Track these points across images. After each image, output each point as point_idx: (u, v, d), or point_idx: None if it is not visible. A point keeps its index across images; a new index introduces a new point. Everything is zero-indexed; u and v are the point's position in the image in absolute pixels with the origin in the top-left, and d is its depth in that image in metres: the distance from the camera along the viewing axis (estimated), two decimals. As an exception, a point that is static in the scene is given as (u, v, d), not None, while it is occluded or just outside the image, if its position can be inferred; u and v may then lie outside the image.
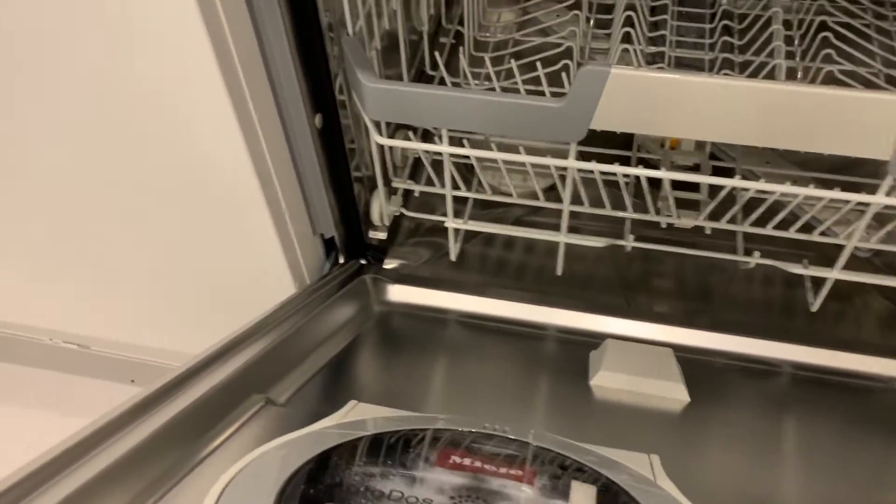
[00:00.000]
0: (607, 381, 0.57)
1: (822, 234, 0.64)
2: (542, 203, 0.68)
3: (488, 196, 0.70)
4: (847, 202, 0.58)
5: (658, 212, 0.70)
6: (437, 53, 0.78)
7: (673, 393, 0.56)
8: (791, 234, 0.65)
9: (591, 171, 0.59)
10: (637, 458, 0.45)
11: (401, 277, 0.70)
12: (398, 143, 0.60)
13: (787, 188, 0.56)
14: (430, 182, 0.71)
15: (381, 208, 0.70)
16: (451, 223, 0.65)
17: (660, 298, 0.70)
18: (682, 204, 0.71)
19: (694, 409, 0.56)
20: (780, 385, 0.62)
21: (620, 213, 0.68)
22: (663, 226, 0.72)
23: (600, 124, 0.52)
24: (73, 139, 0.58)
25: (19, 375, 0.96)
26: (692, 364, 0.61)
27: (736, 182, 0.58)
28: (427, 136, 0.78)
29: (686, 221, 0.67)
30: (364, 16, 0.60)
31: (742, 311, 0.69)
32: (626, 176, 0.67)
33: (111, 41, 0.50)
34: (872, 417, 0.58)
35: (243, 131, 0.54)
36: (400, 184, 0.73)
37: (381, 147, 0.65)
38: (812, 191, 0.55)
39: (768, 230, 0.64)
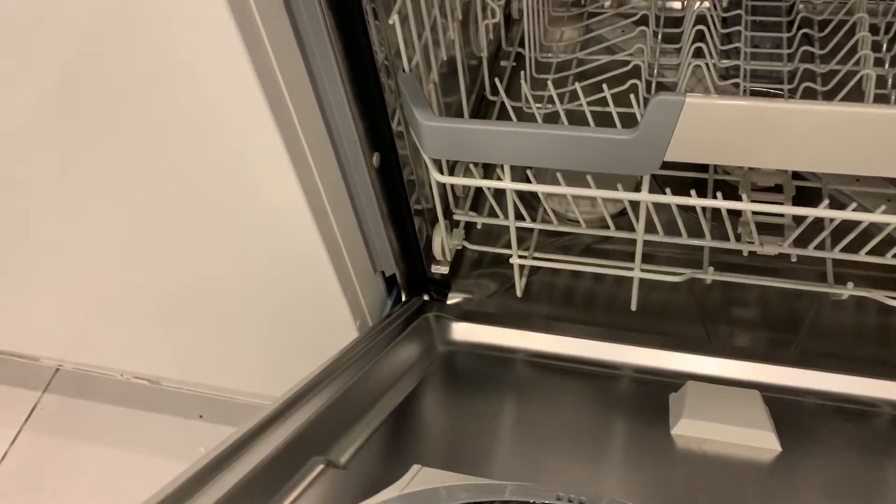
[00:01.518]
0: (690, 429, 0.52)
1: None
2: (612, 233, 0.65)
3: (554, 226, 0.67)
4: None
5: (739, 238, 0.65)
6: (497, 79, 0.75)
7: (762, 442, 0.51)
8: (888, 259, 0.60)
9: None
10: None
11: (465, 314, 0.68)
12: (459, 180, 0.57)
13: (879, 217, 0.51)
14: (492, 213, 0.68)
15: (443, 242, 0.68)
16: (516, 259, 0.62)
17: (743, 331, 0.65)
18: (764, 228, 0.67)
19: (786, 459, 0.51)
20: (880, 427, 0.57)
21: (698, 242, 0.63)
22: (745, 253, 0.68)
23: (675, 156, 0.49)
24: (144, 192, 0.58)
25: (90, 411, 0.98)
26: (781, 405, 0.56)
27: (820, 212, 0.53)
28: (488, 169, 0.76)
29: (770, 248, 0.63)
30: (420, 49, 0.58)
31: (834, 344, 0.64)
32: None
33: (173, 90, 0.49)
34: None
35: (297, 171, 0.52)
36: (462, 216, 0.71)
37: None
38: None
39: (861, 256, 0.60)
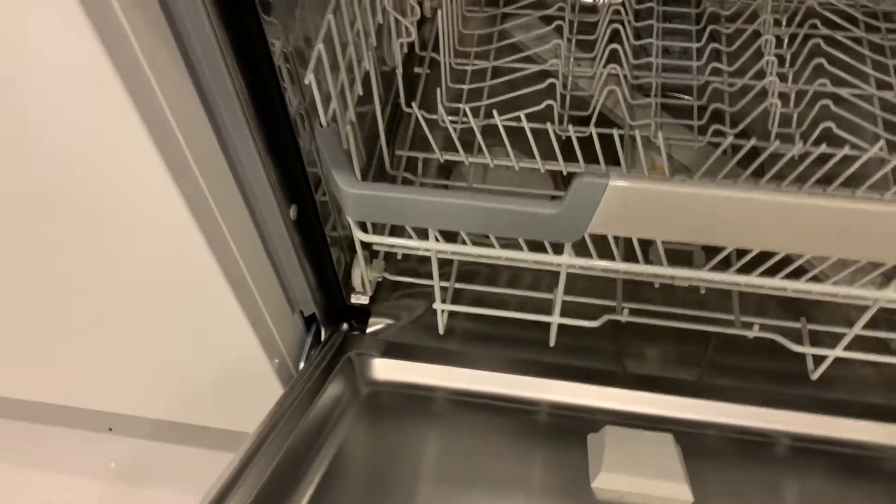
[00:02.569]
0: (609, 483, 0.55)
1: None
2: (533, 263, 0.65)
3: (474, 254, 0.67)
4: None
5: (650, 264, 0.67)
6: (412, 102, 0.73)
7: (677, 493, 0.54)
8: (793, 283, 0.62)
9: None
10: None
11: (387, 348, 0.67)
12: (384, 240, 0.56)
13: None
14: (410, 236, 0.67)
15: (363, 276, 0.67)
16: (438, 305, 0.62)
17: (656, 363, 0.68)
18: (674, 257, 0.69)
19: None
20: (779, 457, 0.61)
21: (612, 266, 0.63)
22: (656, 286, 0.70)
23: (597, 230, 0.49)
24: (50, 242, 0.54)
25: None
26: (690, 438, 0.60)
27: (729, 277, 0.55)
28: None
29: (681, 273, 0.64)
30: (337, 95, 0.55)
31: (737, 375, 0.67)
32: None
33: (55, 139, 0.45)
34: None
35: (201, 227, 0.49)
36: (380, 244, 0.70)
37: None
38: (818, 287, 0.53)
39: (777, 281, 0.62)
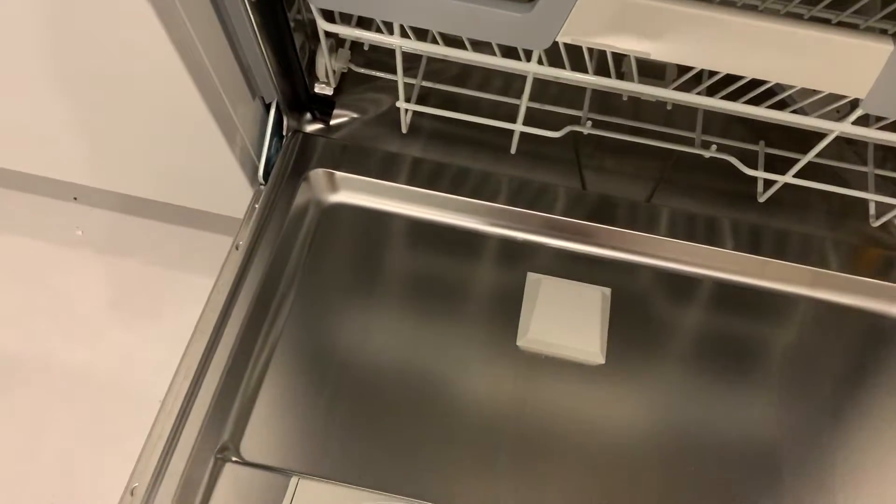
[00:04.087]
0: (533, 344, 0.61)
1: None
2: (501, 65, 0.63)
3: (441, 52, 0.64)
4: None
5: (622, 76, 0.66)
6: None
7: (590, 356, 0.60)
8: (753, 109, 0.62)
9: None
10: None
11: (346, 158, 0.67)
12: (348, 31, 0.54)
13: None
14: (380, 30, 0.65)
15: (327, 65, 0.65)
16: (402, 104, 0.61)
17: (611, 178, 0.69)
18: (647, 69, 0.67)
19: (606, 369, 0.60)
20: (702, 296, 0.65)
21: (580, 77, 0.62)
22: (625, 98, 0.69)
23: (567, 38, 0.48)
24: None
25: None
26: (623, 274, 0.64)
27: (693, 98, 0.54)
28: None
29: (647, 90, 0.63)
30: None
31: (690, 197, 0.69)
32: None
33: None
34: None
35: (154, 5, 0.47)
36: (346, 33, 0.67)
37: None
38: (777, 114, 0.53)
39: (739, 106, 0.61)
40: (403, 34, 0.55)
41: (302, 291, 0.63)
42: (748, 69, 0.47)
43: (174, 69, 0.52)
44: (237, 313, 0.60)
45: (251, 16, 0.54)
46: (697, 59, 0.48)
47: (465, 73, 0.72)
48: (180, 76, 0.53)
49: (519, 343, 0.61)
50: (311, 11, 0.63)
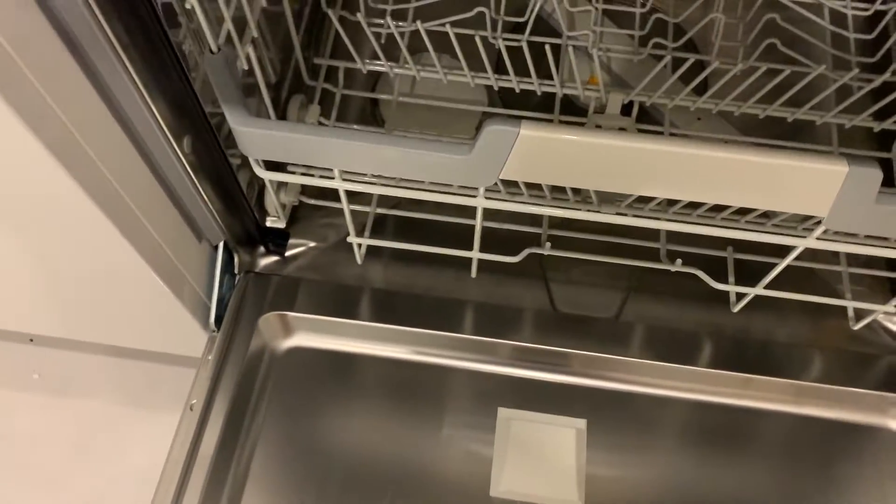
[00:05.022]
0: (508, 493, 0.57)
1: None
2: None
3: (385, 192, 0.62)
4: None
5: (578, 192, 0.64)
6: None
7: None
8: (715, 229, 0.60)
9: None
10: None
11: (300, 297, 0.64)
12: (285, 177, 0.52)
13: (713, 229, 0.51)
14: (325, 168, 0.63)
15: (275, 203, 0.63)
16: (354, 239, 0.59)
17: (578, 293, 0.66)
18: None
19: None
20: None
21: (531, 209, 0.60)
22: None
23: (511, 176, 0.46)
24: None
25: None
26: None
27: (646, 222, 0.52)
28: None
29: (601, 217, 0.61)
30: (230, 14, 0.49)
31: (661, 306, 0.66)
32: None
33: None
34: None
35: (71, 172, 0.44)
36: (285, 179, 0.63)
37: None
38: (732, 231, 0.51)
39: (690, 224, 0.59)
40: (348, 174, 0.53)
41: (263, 447, 0.59)
42: (702, 196, 0.46)
43: (104, 229, 0.50)
44: (195, 479, 0.56)
45: (185, 164, 0.52)
46: (643, 190, 0.46)
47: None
48: (112, 235, 0.51)
49: (492, 494, 0.57)
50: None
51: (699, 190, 0.45)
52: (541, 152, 0.43)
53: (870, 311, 0.59)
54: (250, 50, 0.54)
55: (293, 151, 0.46)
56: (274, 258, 0.68)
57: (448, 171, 0.46)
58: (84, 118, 0.44)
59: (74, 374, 0.89)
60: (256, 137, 0.46)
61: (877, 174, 0.42)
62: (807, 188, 0.43)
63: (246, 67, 0.54)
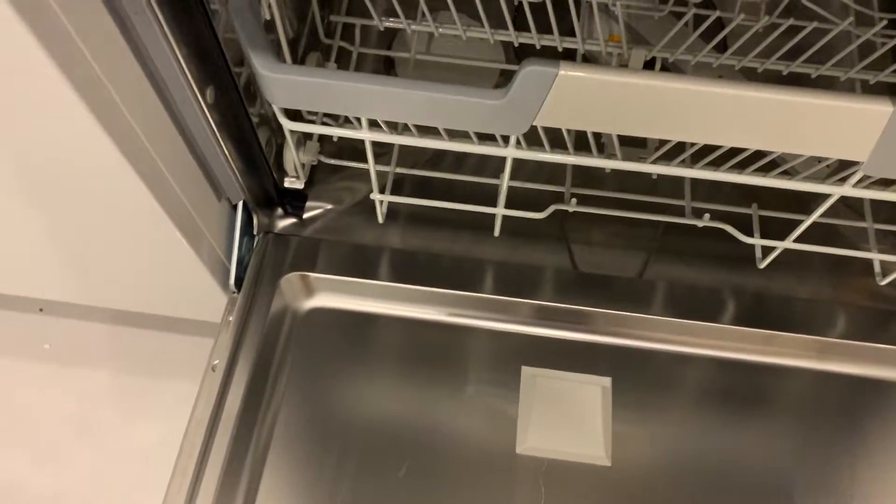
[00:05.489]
0: (534, 450, 0.57)
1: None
2: (478, 149, 0.61)
3: (413, 142, 0.62)
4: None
5: (602, 149, 0.63)
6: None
7: (595, 459, 0.57)
8: (746, 177, 0.59)
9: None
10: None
11: (320, 257, 0.63)
12: (311, 128, 0.51)
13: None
14: (348, 120, 0.62)
15: (294, 161, 0.62)
16: (376, 195, 0.58)
17: (600, 254, 0.66)
18: (628, 141, 0.65)
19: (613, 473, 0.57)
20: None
21: (560, 158, 0.59)
22: (608, 171, 0.66)
23: (545, 123, 0.45)
24: None
25: None
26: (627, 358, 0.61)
27: (676, 170, 0.51)
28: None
29: (629, 166, 0.60)
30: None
31: (685, 265, 0.66)
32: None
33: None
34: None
35: (97, 117, 0.43)
36: (311, 129, 0.64)
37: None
38: (766, 181, 0.50)
39: (725, 174, 0.59)
40: (373, 124, 0.52)
41: (287, 408, 0.59)
42: (741, 141, 0.45)
43: (127, 179, 0.49)
44: (220, 440, 0.56)
45: (209, 117, 0.51)
46: (683, 134, 0.45)
47: (439, 155, 0.69)
48: (135, 186, 0.50)
49: (518, 451, 0.56)
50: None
51: (739, 133, 0.44)
52: (579, 95, 0.42)
53: (897, 266, 0.59)
54: (272, 0, 0.52)
55: (320, 98, 0.45)
56: (292, 220, 0.67)
57: (480, 118, 0.45)
58: (110, 62, 0.43)
59: (84, 344, 0.88)
60: (283, 83, 0.45)
61: (922, 114, 0.41)
62: (848, 130, 0.42)
63: (267, 17, 0.53)
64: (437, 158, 0.70)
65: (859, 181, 0.48)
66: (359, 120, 0.50)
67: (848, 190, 0.48)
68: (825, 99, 0.41)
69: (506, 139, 0.50)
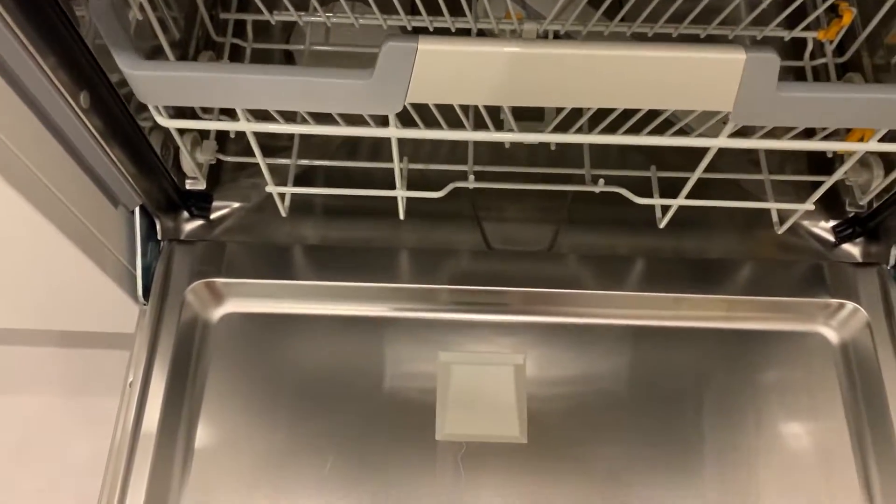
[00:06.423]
0: (452, 436, 0.58)
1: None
2: (371, 132, 0.61)
3: (291, 129, 0.60)
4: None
5: (501, 126, 0.64)
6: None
7: (512, 437, 0.58)
8: (637, 138, 0.60)
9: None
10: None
11: (226, 261, 0.63)
12: (186, 123, 0.50)
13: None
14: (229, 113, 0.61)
15: (189, 161, 0.61)
16: (271, 188, 0.58)
17: (511, 226, 0.66)
18: (524, 113, 0.65)
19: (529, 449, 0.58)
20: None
21: (460, 136, 0.59)
22: (507, 146, 0.67)
23: (417, 99, 0.45)
24: None
25: None
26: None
27: (567, 137, 0.52)
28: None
29: (524, 137, 0.60)
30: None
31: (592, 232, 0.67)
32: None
33: None
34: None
35: None
36: (187, 125, 0.61)
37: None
38: (646, 139, 0.50)
39: (618, 137, 0.59)
40: (264, 115, 0.51)
41: (206, 419, 0.59)
42: (608, 101, 0.45)
43: (6, 197, 0.48)
44: (140, 460, 0.56)
45: (87, 122, 0.50)
46: (552, 100, 0.45)
47: (353, 143, 0.69)
48: (16, 204, 0.49)
49: (438, 437, 0.57)
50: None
51: (604, 94, 0.44)
52: (443, 68, 0.43)
53: (792, 212, 0.60)
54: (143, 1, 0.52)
55: (188, 92, 0.45)
56: (199, 222, 0.66)
57: (352, 99, 0.45)
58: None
59: (6, 370, 0.86)
60: (149, 81, 0.44)
61: (774, 59, 0.42)
62: (710, 81, 0.43)
63: (140, 18, 0.52)
64: (351, 147, 0.70)
65: (736, 132, 0.48)
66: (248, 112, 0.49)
67: (723, 141, 0.49)
68: (681, 52, 0.42)
69: (385, 120, 0.50)
